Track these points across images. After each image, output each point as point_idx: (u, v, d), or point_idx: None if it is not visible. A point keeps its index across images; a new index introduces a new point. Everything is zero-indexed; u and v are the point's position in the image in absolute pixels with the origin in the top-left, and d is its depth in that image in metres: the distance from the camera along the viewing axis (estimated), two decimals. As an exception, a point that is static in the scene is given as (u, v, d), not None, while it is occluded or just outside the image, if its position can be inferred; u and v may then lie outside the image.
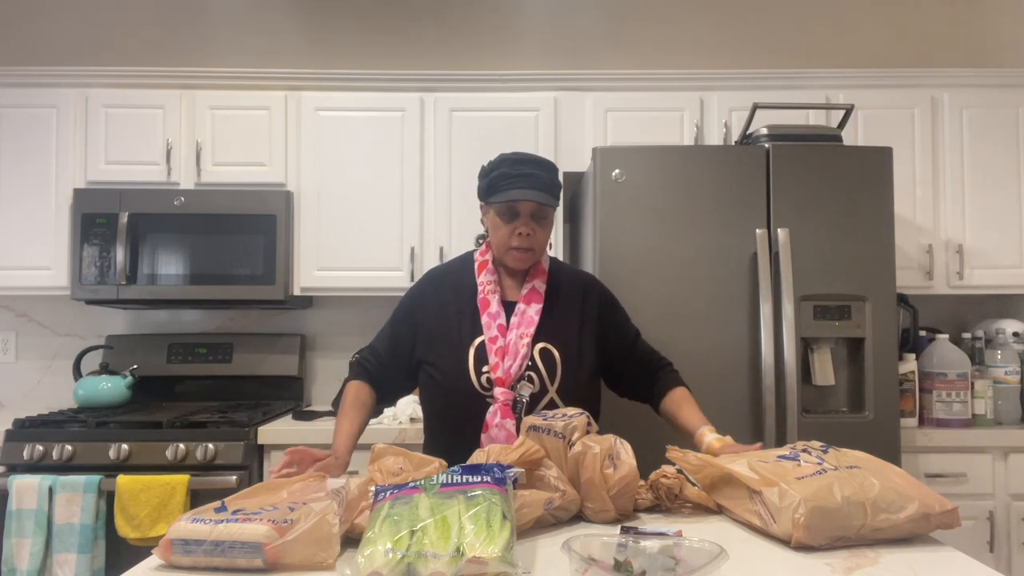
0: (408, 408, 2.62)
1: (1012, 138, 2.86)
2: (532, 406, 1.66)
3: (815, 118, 2.84)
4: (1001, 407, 2.71)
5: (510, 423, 1.63)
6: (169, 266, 2.79)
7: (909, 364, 2.64)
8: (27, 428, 2.52)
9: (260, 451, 2.55)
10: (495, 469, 1.20)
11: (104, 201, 2.80)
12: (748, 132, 2.55)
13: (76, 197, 2.82)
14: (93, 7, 3.27)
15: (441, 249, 2.86)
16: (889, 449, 2.29)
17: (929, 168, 2.85)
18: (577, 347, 1.74)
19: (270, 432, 2.55)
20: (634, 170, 2.35)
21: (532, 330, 1.70)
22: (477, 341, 1.69)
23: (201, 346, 3.11)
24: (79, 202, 2.81)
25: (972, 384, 2.65)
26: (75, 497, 2.33)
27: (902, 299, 2.65)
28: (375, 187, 2.88)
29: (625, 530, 1.24)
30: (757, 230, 2.33)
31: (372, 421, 2.14)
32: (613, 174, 2.35)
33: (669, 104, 2.89)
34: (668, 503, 1.45)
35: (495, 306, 1.72)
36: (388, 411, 2.66)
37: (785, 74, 2.90)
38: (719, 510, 1.43)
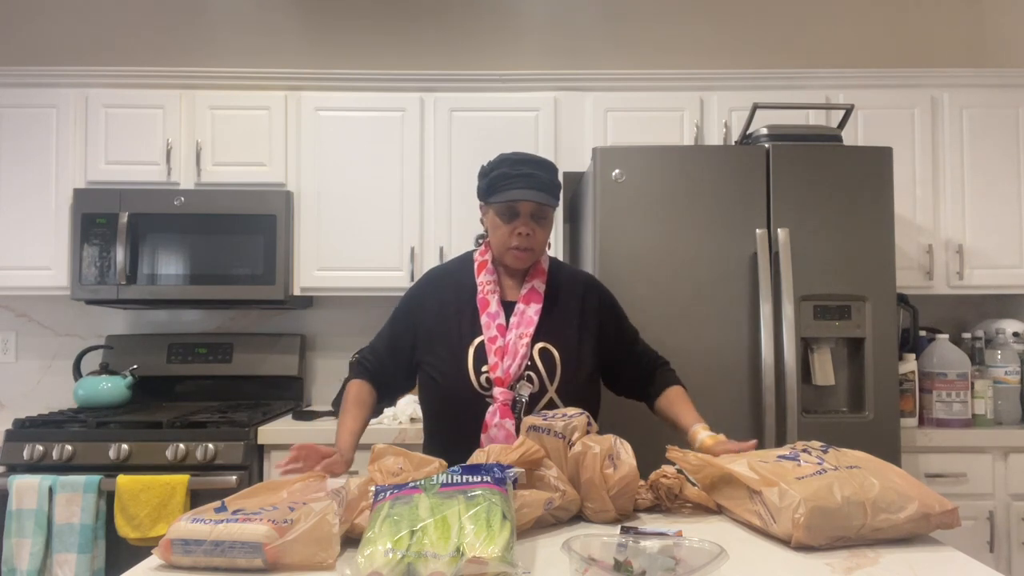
0: (408, 408, 2.62)
1: (1012, 138, 2.86)
2: (531, 406, 1.66)
3: (815, 118, 2.84)
4: (1001, 407, 2.71)
5: (509, 423, 1.63)
6: (169, 266, 2.79)
7: (909, 364, 2.64)
8: (27, 428, 2.52)
9: (260, 451, 2.55)
10: (495, 469, 1.20)
11: (104, 201, 2.80)
12: (748, 132, 2.55)
13: (76, 197, 2.82)
14: (93, 7, 3.27)
15: (441, 249, 2.86)
16: (889, 449, 2.29)
17: (929, 168, 2.85)
18: (576, 347, 1.74)
19: (270, 432, 2.55)
20: (634, 170, 2.35)
21: (531, 330, 1.70)
22: (476, 341, 1.69)
23: (201, 346, 3.11)
24: (79, 202, 2.81)
25: (972, 384, 2.65)
26: (75, 497, 2.33)
27: (902, 299, 2.65)
28: (375, 187, 2.88)
29: (625, 530, 1.24)
30: (757, 230, 2.33)
31: (372, 421, 2.14)
32: (613, 174, 2.35)
33: (669, 104, 2.89)
34: (668, 503, 1.45)
35: (494, 306, 1.72)
36: (388, 411, 2.66)
37: (785, 74, 2.90)
38: (719, 510, 1.43)
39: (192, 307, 3.12)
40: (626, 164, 2.35)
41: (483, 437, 1.63)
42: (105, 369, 2.86)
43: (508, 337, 1.69)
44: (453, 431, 1.70)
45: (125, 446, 2.44)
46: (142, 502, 2.33)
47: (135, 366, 2.93)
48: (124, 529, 2.33)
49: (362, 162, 2.89)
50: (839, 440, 1.62)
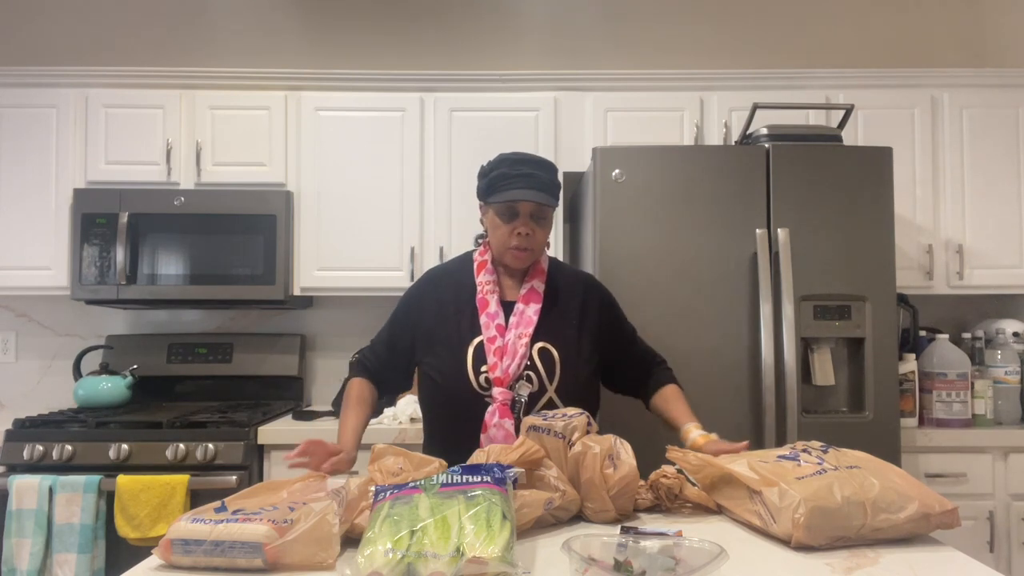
0: (408, 408, 2.62)
1: (1012, 138, 2.86)
2: (531, 406, 1.66)
3: (815, 118, 2.84)
4: (1001, 407, 2.71)
5: (509, 423, 1.63)
6: (169, 266, 2.79)
7: (909, 364, 2.63)
8: (27, 428, 2.52)
9: (260, 451, 2.55)
10: (495, 469, 1.20)
11: (104, 201, 2.80)
12: (748, 132, 2.55)
13: (76, 197, 2.82)
14: (93, 7, 3.27)
15: (441, 249, 2.86)
16: (889, 449, 2.28)
17: (929, 168, 2.85)
18: (576, 347, 1.74)
19: (270, 432, 2.55)
20: (634, 170, 2.35)
21: (531, 330, 1.70)
22: (476, 341, 1.69)
23: (201, 346, 3.11)
24: (79, 202, 2.81)
25: (972, 384, 2.65)
26: (75, 497, 2.33)
27: (902, 299, 2.65)
28: (375, 187, 2.88)
29: (625, 530, 1.24)
30: (757, 230, 2.33)
31: (372, 421, 2.15)
32: (613, 174, 2.35)
33: (669, 104, 2.89)
34: (668, 503, 1.45)
35: (494, 306, 1.72)
36: (388, 411, 2.67)
37: (785, 74, 2.91)
38: (719, 510, 1.43)
39: (192, 307, 3.12)
40: (626, 164, 2.35)
41: (483, 437, 1.63)
42: (105, 369, 2.86)
43: (507, 337, 1.69)
44: (453, 431, 1.70)
45: (125, 446, 2.44)
46: (142, 502, 2.33)
47: (135, 366, 2.93)
48: (124, 529, 2.33)
49: (362, 162, 2.89)
50: (839, 440, 1.62)
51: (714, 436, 1.63)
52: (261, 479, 2.52)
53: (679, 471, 1.48)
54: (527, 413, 1.62)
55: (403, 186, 2.88)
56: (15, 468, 2.44)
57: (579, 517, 1.41)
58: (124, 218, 2.76)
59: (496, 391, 1.65)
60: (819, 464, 1.31)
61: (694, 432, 1.65)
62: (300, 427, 2.60)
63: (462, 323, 1.73)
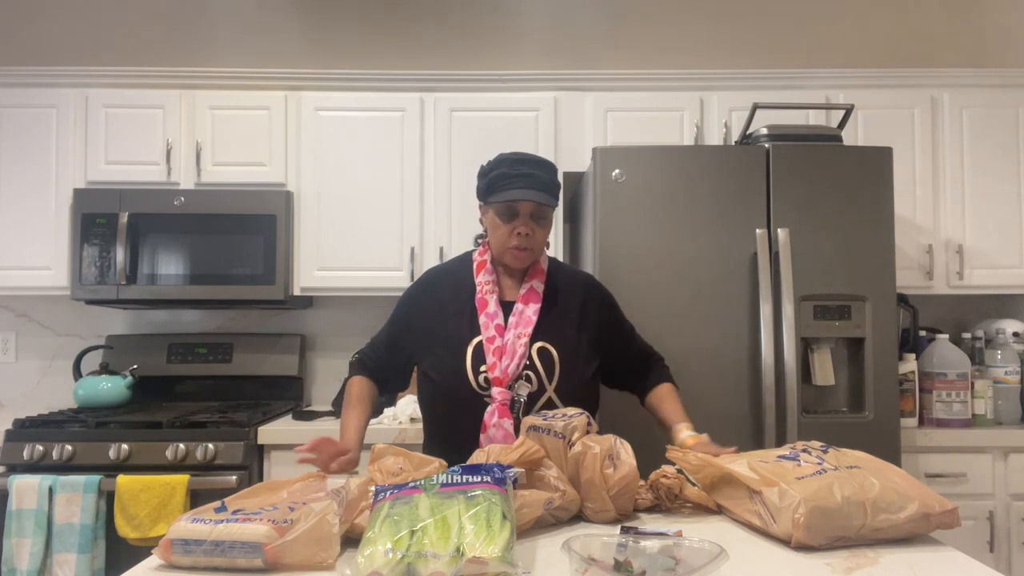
0: (408, 408, 2.62)
1: (1012, 138, 2.86)
2: (530, 406, 1.66)
3: (815, 118, 2.84)
4: (1001, 407, 2.71)
5: (508, 423, 1.63)
6: (169, 266, 2.79)
7: (909, 364, 2.63)
8: (27, 428, 2.52)
9: (260, 451, 2.55)
10: (495, 469, 1.20)
11: (104, 201, 2.80)
12: (748, 132, 2.55)
13: (76, 197, 2.82)
14: (93, 7, 3.27)
15: (441, 249, 2.86)
16: (889, 449, 2.28)
17: (929, 168, 2.85)
18: (575, 347, 1.74)
19: (270, 432, 2.55)
20: (634, 170, 2.35)
21: (530, 330, 1.70)
22: (475, 341, 1.69)
23: (201, 346, 3.11)
24: (79, 202, 2.81)
25: (972, 384, 2.65)
26: (75, 497, 2.33)
27: (902, 299, 2.65)
28: (375, 187, 2.88)
29: (625, 530, 1.24)
30: (757, 230, 2.33)
31: (372, 421, 2.14)
32: (613, 174, 2.35)
33: (669, 104, 2.89)
34: (668, 503, 1.45)
35: (493, 306, 1.72)
36: (388, 411, 2.66)
37: (785, 74, 2.91)
38: (719, 510, 1.43)
39: (192, 307, 3.12)
40: (626, 164, 2.35)
41: (482, 437, 1.63)
42: (105, 369, 2.86)
43: (506, 337, 1.69)
44: (452, 431, 1.70)
45: (125, 446, 2.44)
46: (142, 502, 2.33)
47: (135, 366, 2.93)
48: (124, 529, 2.33)
49: (362, 162, 2.88)
50: (839, 440, 1.62)
51: (705, 437, 1.63)
52: (261, 479, 2.52)
53: (679, 471, 1.48)
54: (526, 413, 1.62)
55: (403, 186, 2.88)
56: (15, 468, 2.44)
57: (579, 517, 1.41)
58: (124, 218, 2.76)
59: (495, 391, 1.65)
60: (819, 464, 1.31)
61: (684, 432, 1.66)
62: (300, 427, 2.60)
63: (461, 323, 1.73)
